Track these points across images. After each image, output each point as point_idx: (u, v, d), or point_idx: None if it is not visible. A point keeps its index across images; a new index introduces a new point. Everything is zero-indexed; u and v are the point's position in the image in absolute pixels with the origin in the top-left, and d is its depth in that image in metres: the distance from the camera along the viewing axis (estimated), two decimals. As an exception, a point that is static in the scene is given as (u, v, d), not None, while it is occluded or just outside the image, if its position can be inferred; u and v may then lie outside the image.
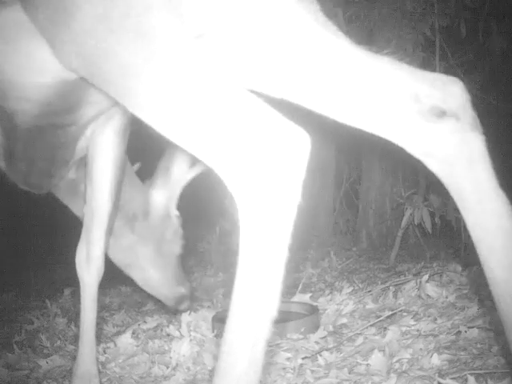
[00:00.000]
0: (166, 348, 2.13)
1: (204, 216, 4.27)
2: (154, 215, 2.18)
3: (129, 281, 2.23)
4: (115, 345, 2.19)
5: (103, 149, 1.67)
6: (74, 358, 2.08)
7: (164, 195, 2.21)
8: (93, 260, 1.73)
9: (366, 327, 2.02)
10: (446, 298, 2.23)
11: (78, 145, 1.68)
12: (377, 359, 1.67)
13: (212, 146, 0.83)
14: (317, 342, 1.95)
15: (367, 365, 1.67)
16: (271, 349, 1.91)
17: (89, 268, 1.74)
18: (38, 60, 1.16)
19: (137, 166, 2.21)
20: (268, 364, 1.78)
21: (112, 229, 1.81)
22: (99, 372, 1.82)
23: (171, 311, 2.37)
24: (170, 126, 0.88)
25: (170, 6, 0.86)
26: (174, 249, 2.27)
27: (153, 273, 2.18)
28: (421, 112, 0.99)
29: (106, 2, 0.86)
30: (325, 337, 2.00)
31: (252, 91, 0.89)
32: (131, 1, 0.84)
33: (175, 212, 2.27)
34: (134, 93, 0.88)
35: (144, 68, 0.85)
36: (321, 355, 1.80)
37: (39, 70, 1.20)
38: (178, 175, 2.23)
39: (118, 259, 2.16)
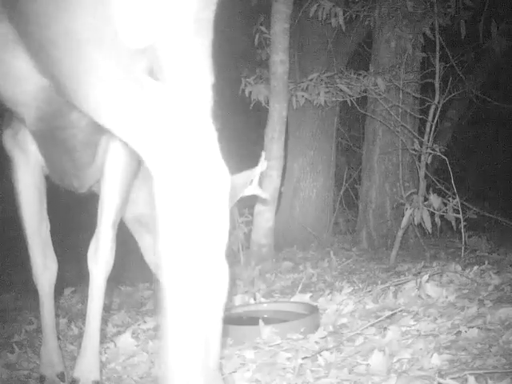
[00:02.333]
0: (166, 348, 2.12)
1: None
2: None
3: (129, 281, 2.22)
4: (115, 345, 2.19)
5: (114, 145, 1.72)
6: (74, 358, 2.08)
7: None
8: (100, 252, 1.79)
9: (366, 327, 2.02)
10: (446, 297, 2.23)
11: (99, 147, 1.72)
12: (377, 359, 1.66)
13: (142, 137, 0.93)
14: (317, 342, 1.94)
15: (367, 365, 1.67)
16: (271, 349, 1.91)
17: (96, 260, 1.79)
18: (19, 69, 1.26)
19: None
20: (268, 364, 1.78)
21: (117, 223, 1.83)
22: (101, 368, 1.82)
23: None
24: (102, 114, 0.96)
25: None
26: None
27: None
28: None
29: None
30: (325, 337, 1.99)
31: None
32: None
33: None
34: (61, 71, 0.98)
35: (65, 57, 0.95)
36: (321, 355, 1.80)
37: (22, 78, 1.30)
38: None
39: (154, 259, 2.19)
